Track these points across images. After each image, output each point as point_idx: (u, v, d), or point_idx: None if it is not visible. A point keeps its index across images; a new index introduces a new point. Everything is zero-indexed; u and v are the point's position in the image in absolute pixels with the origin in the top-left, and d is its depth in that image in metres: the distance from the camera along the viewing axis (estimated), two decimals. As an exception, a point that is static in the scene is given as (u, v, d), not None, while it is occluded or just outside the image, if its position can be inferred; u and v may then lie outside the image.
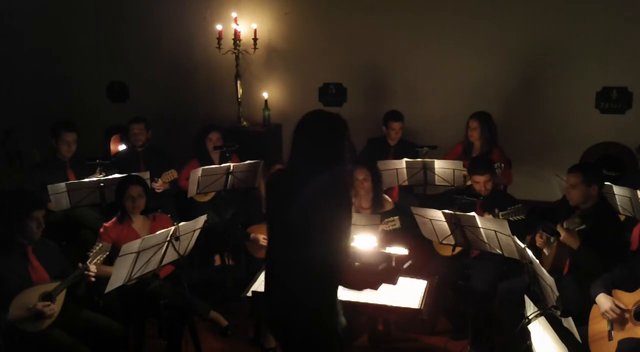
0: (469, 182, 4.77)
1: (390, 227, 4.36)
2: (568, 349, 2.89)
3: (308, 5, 6.75)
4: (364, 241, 3.78)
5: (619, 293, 3.41)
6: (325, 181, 2.78)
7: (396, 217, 4.37)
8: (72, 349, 3.53)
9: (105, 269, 3.76)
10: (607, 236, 3.82)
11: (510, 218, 4.20)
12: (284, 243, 2.89)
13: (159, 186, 5.26)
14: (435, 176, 5.21)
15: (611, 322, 3.35)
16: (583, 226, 3.78)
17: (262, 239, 4.48)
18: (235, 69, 6.69)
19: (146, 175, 4.89)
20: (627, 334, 3.30)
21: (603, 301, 3.37)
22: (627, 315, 3.32)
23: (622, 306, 3.31)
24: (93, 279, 3.67)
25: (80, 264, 3.66)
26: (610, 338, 3.33)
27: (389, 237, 4.29)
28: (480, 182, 4.51)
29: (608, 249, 3.76)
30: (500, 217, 4.24)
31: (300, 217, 2.79)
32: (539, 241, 3.98)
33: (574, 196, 3.97)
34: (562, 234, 3.78)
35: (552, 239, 3.92)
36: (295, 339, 2.94)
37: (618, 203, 4.45)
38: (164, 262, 3.75)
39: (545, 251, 3.97)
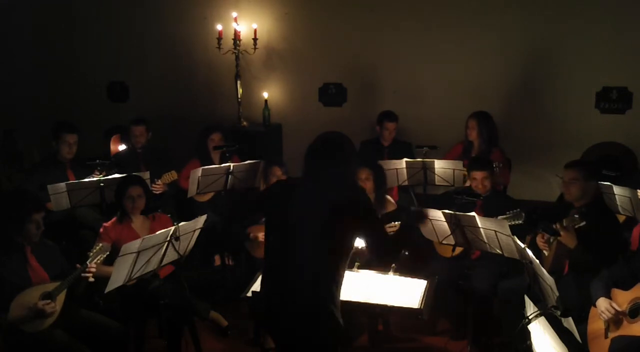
0: (468, 182, 4.77)
1: (392, 232, 4.33)
2: (568, 348, 2.90)
3: (308, 5, 6.75)
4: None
5: (617, 292, 3.43)
6: (337, 181, 2.85)
7: (398, 223, 4.33)
8: (72, 349, 3.53)
9: (105, 269, 3.75)
10: (603, 233, 3.82)
11: (509, 223, 4.19)
12: (289, 243, 2.90)
13: (158, 187, 5.26)
14: (435, 176, 5.21)
15: (607, 321, 3.37)
16: (583, 223, 3.77)
17: (261, 236, 4.47)
18: (235, 69, 6.68)
19: (146, 175, 4.89)
20: (622, 331, 3.33)
21: (601, 303, 3.40)
22: (621, 316, 3.35)
23: (616, 307, 3.34)
24: (92, 279, 3.66)
25: (78, 266, 3.66)
26: (606, 336, 3.36)
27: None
28: (478, 178, 4.49)
29: (605, 246, 3.76)
30: None
31: (310, 216, 2.82)
32: (540, 242, 3.96)
33: (572, 191, 3.97)
34: (562, 233, 3.78)
35: (552, 239, 3.91)
36: (296, 339, 2.94)
37: (618, 203, 4.44)
38: (164, 262, 3.75)
39: (545, 251, 3.96)
